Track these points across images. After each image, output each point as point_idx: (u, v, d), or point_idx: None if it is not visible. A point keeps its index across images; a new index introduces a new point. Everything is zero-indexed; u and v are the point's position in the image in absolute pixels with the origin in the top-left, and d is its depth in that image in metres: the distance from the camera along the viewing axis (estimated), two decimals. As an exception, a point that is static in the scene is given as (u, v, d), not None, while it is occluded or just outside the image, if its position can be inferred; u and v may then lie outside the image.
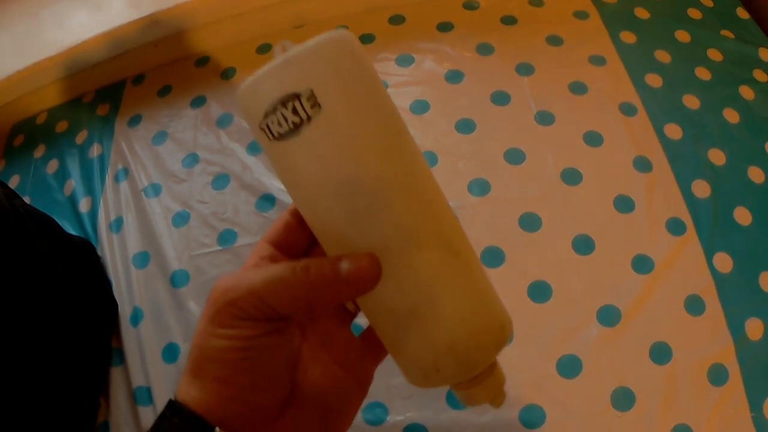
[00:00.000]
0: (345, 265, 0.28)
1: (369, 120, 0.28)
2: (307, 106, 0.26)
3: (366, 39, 0.93)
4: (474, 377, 0.31)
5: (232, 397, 0.28)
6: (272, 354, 0.29)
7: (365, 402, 0.67)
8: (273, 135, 0.27)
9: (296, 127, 0.27)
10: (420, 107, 0.85)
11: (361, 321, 0.33)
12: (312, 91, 0.26)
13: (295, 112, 0.27)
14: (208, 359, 0.28)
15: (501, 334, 0.31)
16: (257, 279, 0.28)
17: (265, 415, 0.29)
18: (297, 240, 0.33)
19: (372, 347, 0.34)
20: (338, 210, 0.28)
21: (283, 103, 0.27)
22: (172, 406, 0.29)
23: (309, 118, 0.27)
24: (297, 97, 0.26)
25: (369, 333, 0.34)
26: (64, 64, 0.93)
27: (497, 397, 0.32)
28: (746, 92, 0.85)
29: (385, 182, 0.28)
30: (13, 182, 0.90)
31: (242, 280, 0.28)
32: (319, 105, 0.27)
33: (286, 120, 0.27)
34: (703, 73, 0.87)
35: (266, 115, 0.27)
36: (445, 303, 0.30)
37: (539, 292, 0.70)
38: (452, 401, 0.66)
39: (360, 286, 0.28)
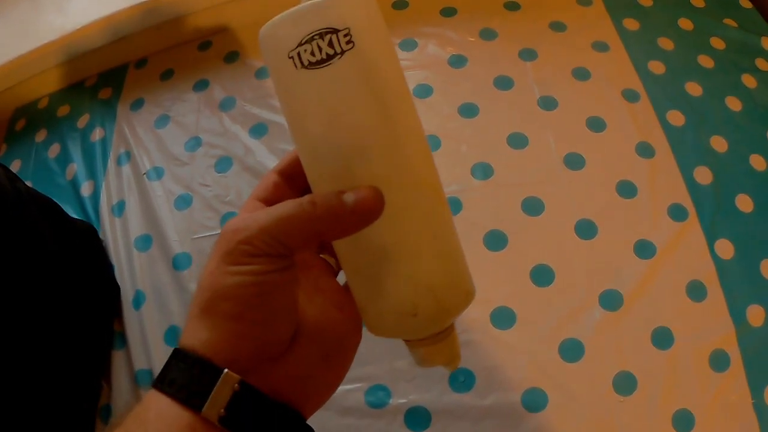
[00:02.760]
0: (350, 197, 0.29)
1: (389, 67, 0.31)
2: (343, 41, 0.29)
3: (369, 24, 0.92)
4: (437, 333, 0.32)
5: (244, 334, 0.29)
6: (282, 290, 0.29)
7: (368, 384, 0.67)
8: (302, 63, 0.30)
9: (329, 58, 0.29)
10: (423, 91, 0.85)
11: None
12: (349, 29, 0.29)
13: (330, 44, 0.29)
14: (221, 297, 0.29)
15: (470, 289, 0.33)
16: (267, 217, 0.28)
17: (272, 353, 0.30)
18: (285, 197, 0.34)
19: None
20: (344, 145, 0.30)
21: (321, 35, 0.29)
22: (178, 352, 0.29)
23: (343, 51, 0.29)
24: (336, 31, 0.29)
25: None
26: (66, 48, 0.93)
27: (455, 359, 0.34)
28: (748, 81, 0.85)
29: (396, 123, 0.30)
30: (15, 167, 0.90)
31: (252, 220, 0.29)
32: (354, 43, 0.29)
33: (320, 50, 0.29)
34: (705, 61, 0.87)
35: (300, 44, 0.29)
36: (432, 245, 0.31)
37: (541, 275, 0.71)
38: (455, 384, 0.66)
39: (365, 217, 0.29)
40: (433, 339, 0.32)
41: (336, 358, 0.33)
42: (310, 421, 0.31)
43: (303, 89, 0.30)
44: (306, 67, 0.30)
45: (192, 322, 0.29)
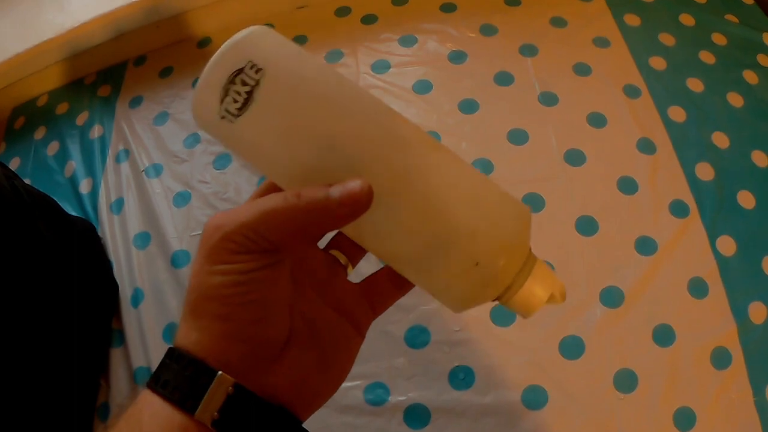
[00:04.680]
0: (337, 189, 0.28)
1: (307, 67, 0.31)
2: (251, 73, 0.30)
3: (369, 20, 0.92)
4: (518, 271, 0.30)
5: (233, 335, 0.28)
6: (271, 288, 0.28)
7: (366, 382, 0.67)
8: (233, 114, 0.30)
9: (249, 94, 0.30)
10: (423, 87, 0.84)
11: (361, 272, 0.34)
12: (251, 60, 0.30)
13: (243, 83, 0.30)
14: (206, 298, 0.28)
15: (518, 210, 0.31)
16: (249, 212, 0.28)
17: (266, 354, 0.29)
18: None
19: (368, 297, 0.34)
20: (314, 152, 0.30)
21: (231, 81, 0.30)
22: (172, 352, 0.28)
23: (257, 81, 0.30)
24: (240, 71, 0.30)
25: (367, 284, 0.35)
26: (65, 46, 0.93)
27: (556, 289, 0.31)
28: (750, 76, 0.84)
29: (343, 109, 0.30)
30: (14, 164, 0.90)
31: (234, 215, 0.28)
32: (262, 68, 0.30)
33: (238, 93, 0.30)
34: (707, 57, 0.86)
35: (222, 101, 0.30)
36: (450, 194, 0.30)
37: (542, 272, 0.70)
38: (454, 382, 0.66)
39: (354, 207, 0.28)
40: (518, 281, 0.30)
41: (335, 360, 0.32)
42: (308, 421, 0.30)
43: (248, 136, 0.31)
44: (238, 116, 0.30)
45: (184, 323, 0.29)
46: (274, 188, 0.33)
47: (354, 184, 0.28)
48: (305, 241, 0.29)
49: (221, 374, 0.27)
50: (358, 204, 0.28)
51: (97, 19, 0.91)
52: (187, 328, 0.28)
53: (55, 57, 0.94)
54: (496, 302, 0.32)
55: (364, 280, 0.35)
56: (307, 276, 0.33)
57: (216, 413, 0.27)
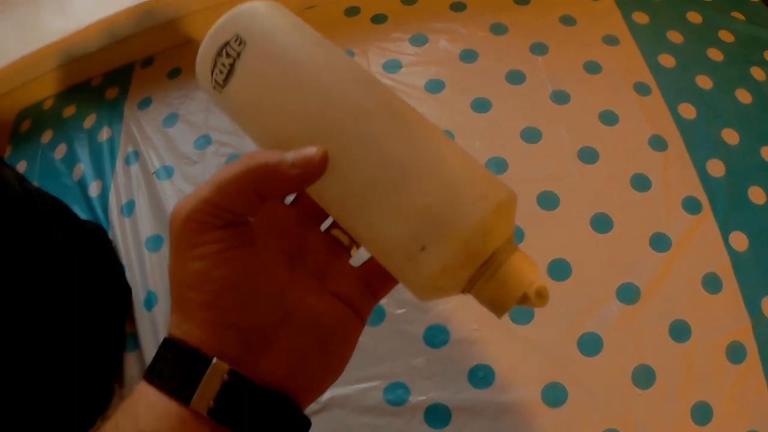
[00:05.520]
0: (291, 153, 0.28)
1: (287, 42, 0.32)
2: (235, 46, 0.31)
3: (378, 19, 0.92)
4: (485, 262, 0.28)
5: (221, 322, 0.28)
6: (249, 269, 0.28)
7: (386, 383, 0.67)
8: (220, 84, 0.32)
9: (232, 66, 0.31)
10: (435, 86, 0.84)
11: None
12: (237, 33, 0.31)
13: (228, 55, 0.31)
14: (186, 287, 0.28)
15: (486, 192, 0.29)
16: (205, 188, 0.28)
17: (258, 340, 0.29)
18: None
19: (369, 282, 0.34)
20: (280, 125, 0.31)
21: (219, 53, 0.32)
22: (166, 342, 0.28)
23: (238, 54, 0.31)
24: (227, 43, 0.31)
25: (367, 268, 0.35)
26: (70, 49, 0.92)
27: (531, 286, 0.28)
28: (758, 73, 0.85)
29: (315, 78, 0.31)
30: (20, 168, 0.89)
31: (191, 196, 0.28)
32: (245, 42, 0.31)
33: (223, 65, 0.32)
34: (715, 54, 0.87)
35: (212, 73, 0.32)
36: (406, 166, 0.29)
37: (559, 270, 0.70)
38: (474, 380, 0.66)
39: (306, 169, 0.28)
40: (484, 273, 0.28)
41: (334, 346, 0.32)
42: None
43: (232, 105, 0.32)
44: (223, 86, 0.32)
45: (173, 315, 0.29)
46: None
47: (309, 149, 0.28)
48: (262, 201, 0.28)
49: (216, 362, 0.27)
50: (310, 166, 0.28)
51: (101, 21, 0.90)
52: (177, 319, 0.29)
53: (60, 60, 0.93)
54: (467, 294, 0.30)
55: (363, 263, 0.35)
56: (305, 259, 0.33)
57: (212, 402, 0.27)
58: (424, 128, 0.30)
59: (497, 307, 0.29)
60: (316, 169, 0.28)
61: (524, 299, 0.29)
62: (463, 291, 0.30)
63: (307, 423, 0.30)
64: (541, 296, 0.29)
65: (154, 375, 0.28)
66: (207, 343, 0.28)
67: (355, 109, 0.30)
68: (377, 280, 0.34)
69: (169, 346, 0.28)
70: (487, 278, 0.28)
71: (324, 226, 0.36)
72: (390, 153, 0.29)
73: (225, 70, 0.31)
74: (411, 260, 0.28)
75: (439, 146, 0.30)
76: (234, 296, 0.28)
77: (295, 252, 0.33)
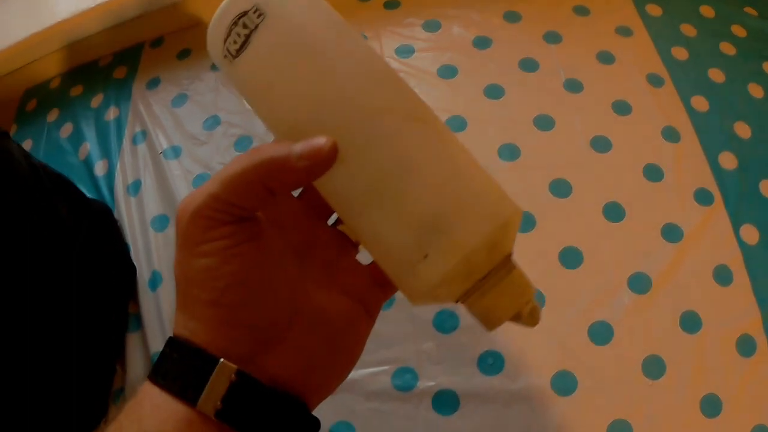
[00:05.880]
0: (299, 143, 0.27)
1: (309, 19, 0.30)
2: (253, 17, 0.30)
3: (392, 5, 0.92)
4: (483, 277, 0.28)
5: (227, 320, 0.27)
6: (258, 264, 0.27)
7: (394, 367, 0.66)
8: (232, 54, 0.31)
9: (247, 38, 0.30)
10: (448, 72, 0.84)
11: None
12: (256, 4, 0.30)
13: (244, 26, 0.30)
14: (192, 284, 0.27)
15: (497, 209, 0.28)
16: (212, 183, 0.27)
17: (267, 338, 0.28)
18: None
19: (379, 278, 0.33)
20: (291, 106, 0.30)
21: (235, 22, 0.30)
22: (171, 342, 0.27)
23: (256, 26, 0.30)
24: (245, 13, 0.30)
25: (375, 264, 0.33)
26: (78, 28, 0.91)
27: (525, 306, 0.29)
28: (770, 68, 0.85)
29: (332, 69, 0.30)
30: (26, 146, 0.88)
31: (198, 192, 0.27)
32: (264, 14, 0.30)
33: (238, 35, 0.30)
34: (727, 48, 0.86)
35: (225, 41, 0.31)
36: (418, 169, 0.28)
37: (570, 258, 0.70)
38: (483, 366, 0.65)
39: (314, 161, 0.27)
40: (480, 287, 0.28)
41: (343, 344, 0.31)
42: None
43: (242, 77, 0.31)
44: (235, 56, 0.31)
45: (179, 312, 0.28)
46: None
47: (318, 140, 0.27)
48: (271, 195, 0.27)
49: (223, 362, 0.26)
50: (319, 158, 0.27)
51: (111, 1, 0.89)
52: (183, 318, 0.27)
53: (68, 39, 0.92)
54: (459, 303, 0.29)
55: (372, 262, 0.34)
56: (314, 254, 0.32)
57: (219, 403, 0.26)
58: (439, 133, 0.30)
59: (489, 321, 0.30)
60: (324, 161, 0.27)
61: (517, 317, 0.30)
62: (457, 301, 0.30)
63: (317, 423, 0.29)
64: (533, 317, 0.30)
65: (159, 375, 0.27)
66: (213, 342, 0.27)
67: (371, 105, 0.29)
68: (386, 277, 0.33)
69: (174, 345, 0.27)
70: (483, 292, 0.28)
71: (331, 220, 0.35)
72: (402, 155, 0.28)
73: (239, 41, 0.30)
74: (412, 267, 0.28)
75: (452, 153, 0.29)
76: (241, 292, 0.27)
77: (303, 246, 0.31)
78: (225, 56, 0.31)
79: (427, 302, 0.29)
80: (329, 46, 0.30)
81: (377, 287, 0.33)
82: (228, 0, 0.31)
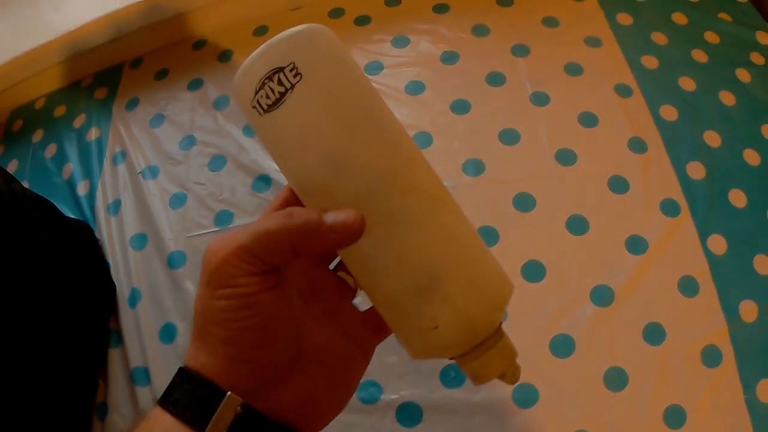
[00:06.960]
0: (330, 215, 0.29)
1: (346, 86, 0.31)
2: (290, 76, 0.30)
3: (362, 21, 0.93)
4: (479, 344, 0.31)
5: (239, 358, 0.29)
6: (273, 311, 0.29)
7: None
8: (263, 108, 0.31)
9: (282, 96, 0.30)
10: (415, 88, 0.85)
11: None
12: (294, 63, 0.30)
13: (280, 83, 0.30)
14: (211, 322, 0.29)
15: (500, 290, 0.32)
16: (245, 235, 0.29)
17: (273, 376, 0.30)
18: None
19: (373, 324, 0.35)
20: (322, 169, 0.31)
21: (270, 77, 0.30)
22: (183, 372, 0.30)
23: (292, 86, 0.30)
24: (281, 69, 0.30)
25: (372, 311, 0.36)
26: (62, 48, 0.93)
27: (509, 368, 0.32)
28: (743, 75, 0.85)
29: (366, 138, 0.31)
30: (12, 167, 0.91)
31: (231, 239, 0.29)
32: (301, 74, 0.30)
33: (273, 91, 0.30)
34: (699, 56, 0.86)
35: (256, 92, 0.31)
36: (433, 246, 0.31)
37: (533, 271, 0.71)
38: (446, 380, 0.66)
39: (344, 236, 0.29)
40: (475, 351, 0.31)
41: (342, 382, 0.33)
42: None
43: (270, 131, 0.32)
44: (267, 111, 0.31)
45: (193, 345, 0.30)
46: (284, 204, 0.34)
47: (347, 214, 0.29)
48: (298, 257, 0.30)
49: (230, 395, 0.29)
50: (348, 233, 0.29)
51: (94, 21, 0.92)
52: (196, 351, 0.30)
53: (53, 60, 0.94)
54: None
55: (370, 308, 0.36)
56: (318, 298, 0.34)
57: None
58: (456, 214, 0.32)
59: (478, 379, 0.33)
60: (352, 236, 0.30)
61: (501, 376, 0.33)
62: (451, 358, 0.33)
63: None
64: (515, 377, 0.33)
65: (169, 402, 0.29)
66: (222, 376, 0.29)
67: (399, 183, 0.31)
68: (381, 322, 0.35)
69: (185, 376, 0.29)
70: (477, 356, 0.31)
71: (332, 265, 0.37)
72: (423, 236, 0.31)
73: (273, 97, 0.30)
74: (421, 333, 0.31)
75: (465, 236, 0.32)
76: (254, 335, 0.29)
77: (309, 290, 0.34)
78: (254, 107, 0.31)
79: (426, 358, 0.33)
80: (365, 113, 0.31)
81: (371, 330, 0.36)
82: (264, 50, 0.31)
